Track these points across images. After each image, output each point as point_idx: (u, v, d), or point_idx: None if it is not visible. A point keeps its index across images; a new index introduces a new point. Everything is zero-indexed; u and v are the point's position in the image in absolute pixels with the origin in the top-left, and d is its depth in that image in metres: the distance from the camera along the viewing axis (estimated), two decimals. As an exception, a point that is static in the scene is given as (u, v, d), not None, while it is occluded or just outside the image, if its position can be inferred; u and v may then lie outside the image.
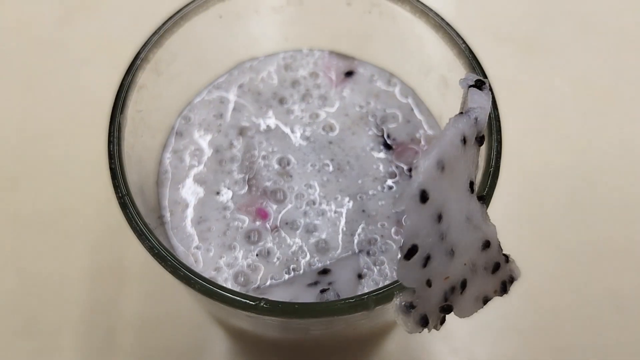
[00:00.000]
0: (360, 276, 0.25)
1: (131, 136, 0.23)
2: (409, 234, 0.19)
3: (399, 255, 0.19)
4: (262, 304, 0.20)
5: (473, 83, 0.21)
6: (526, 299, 0.44)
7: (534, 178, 0.48)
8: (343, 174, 0.27)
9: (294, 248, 0.25)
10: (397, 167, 0.27)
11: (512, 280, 0.22)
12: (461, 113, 0.20)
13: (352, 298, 0.20)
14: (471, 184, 0.20)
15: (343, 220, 0.26)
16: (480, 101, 0.20)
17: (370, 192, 0.26)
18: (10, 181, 0.48)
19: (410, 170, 0.26)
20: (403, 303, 0.20)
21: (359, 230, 0.26)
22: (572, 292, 0.45)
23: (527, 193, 0.47)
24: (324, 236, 0.25)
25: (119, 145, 0.22)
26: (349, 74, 0.29)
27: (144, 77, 0.24)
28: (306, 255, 0.25)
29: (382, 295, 0.20)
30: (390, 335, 0.40)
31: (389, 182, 0.27)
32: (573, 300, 0.45)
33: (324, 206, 0.26)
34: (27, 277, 0.45)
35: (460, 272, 0.20)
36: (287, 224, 0.26)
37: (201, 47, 0.26)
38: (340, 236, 0.26)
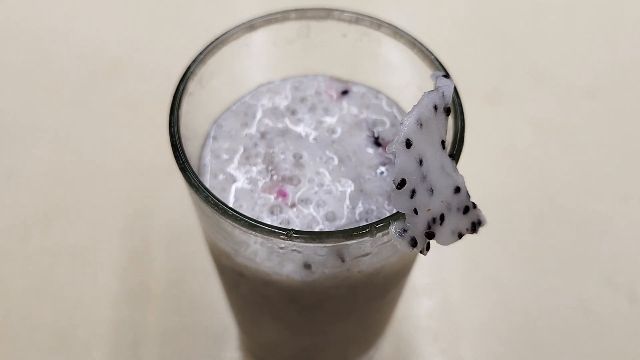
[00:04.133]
0: (361, 237, 0.31)
1: (182, 130, 0.31)
2: (399, 170, 0.26)
3: (393, 187, 0.26)
4: (292, 232, 0.26)
5: (440, 75, 0.29)
6: (503, 306, 0.51)
7: (501, 203, 0.55)
8: (344, 164, 0.34)
9: (308, 218, 0.32)
10: (386, 158, 0.34)
11: (479, 222, 0.29)
12: (432, 90, 0.28)
13: (360, 227, 0.27)
14: (442, 142, 0.28)
15: (346, 197, 0.33)
16: (445, 83, 0.28)
17: (367, 177, 0.33)
18: (45, 219, 0.54)
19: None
20: (398, 229, 0.27)
21: (359, 204, 0.33)
22: (542, 297, 0.51)
23: (494, 214, 0.54)
24: (331, 209, 0.32)
25: (178, 129, 0.29)
26: (345, 92, 0.37)
27: (191, 86, 0.32)
28: (319, 223, 0.32)
29: (382, 225, 0.27)
30: (388, 329, 0.46)
31: (381, 169, 0.34)
32: (544, 304, 0.51)
33: (331, 187, 0.33)
34: (60, 300, 0.51)
35: (438, 207, 0.27)
36: (302, 201, 0.33)
37: (232, 69, 0.34)
38: (344, 209, 0.32)
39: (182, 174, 0.28)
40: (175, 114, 0.30)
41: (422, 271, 0.52)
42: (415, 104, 0.27)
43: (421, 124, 0.26)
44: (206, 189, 0.27)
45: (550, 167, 0.58)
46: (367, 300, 0.35)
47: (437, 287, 0.51)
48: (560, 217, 0.55)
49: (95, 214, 0.55)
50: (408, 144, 0.26)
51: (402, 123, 0.26)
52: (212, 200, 0.27)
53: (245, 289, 0.35)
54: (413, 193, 0.26)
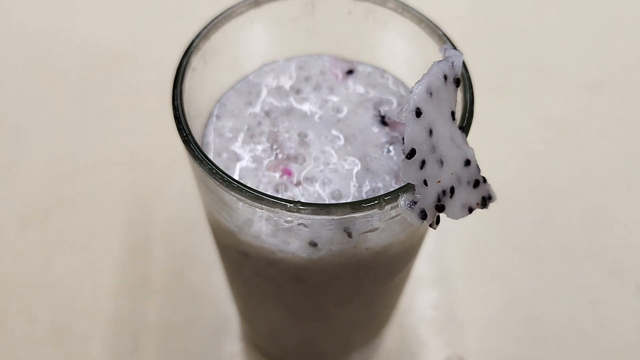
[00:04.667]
0: (368, 215, 0.31)
1: (185, 107, 0.30)
2: (409, 139, 0.25)
3: (403, 157, 0.25)
4: (299, 204, 0.26)
5: (449, 47, 0.28)
6: (508, 298, 0.50)
7: (506, 196, 0.55)
8: (350, 142, 0.33)
9: (314, 196, 0.31)
10: (392, 137, 0.34)
11: (490, 197, 0.29)
12: (441, 60, 0.27)
13: (369, 199, 0.26)
14: (452, 113, 0.27)
15: (353, 176, 0.32)
16: (454, 53, 0.27)
17: (373, 155, 0.33)
18: (45, 211, 0.53)
19: (403, 138, 0.33)
20: (407, 201, 0.26)
21: (366, 182, 0.32)
22: (547, 289, 0.50)
23: (499, 207, 0.54)
24: (337, 187, 0.32)
25: (181, 102, 0.29)
26: (350, 72, 0.36)
27: (195, 62, 0.31)
28: (324, 201, 0.31)
29: (391, 197, 0.26)
30: (393, 319, 0.45)
31: (388, 147, 0.33)
32: (549, 296, 0.50)
33: (337, 165, 0.32)
34: (59, 293, 0.50)
35: (448, 180, 0.27)
36: (307, 179, 0.32)
37: (236, 46, 0.34)
38: (351, 188, 0.32)
39: (185, 146, 0.28)
40: (179, 87, 0.29)
41: (427, 262, 0.51)
42: (425, 73, 0.26)
43: (431, 93, 0.26)
44: (210, 161, 0.27)
45: (554, 160, 0.58)
46: (373, 282, 0.34)
47: (441, 279, 0.51)
48: (565, 209, 0.54)
49: (95, 207, 0.54)
50: (418, 112, 0.25)
51: (411, 91, 0.25)
52: (216, 172, 0.26)
53: (248, 271, 0.34)
54: (423, 164, 0.26)
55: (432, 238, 0.52)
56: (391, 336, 0.48)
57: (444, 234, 0.52)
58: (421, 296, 0.50)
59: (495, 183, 0.53)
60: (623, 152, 0.58)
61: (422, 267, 0.50)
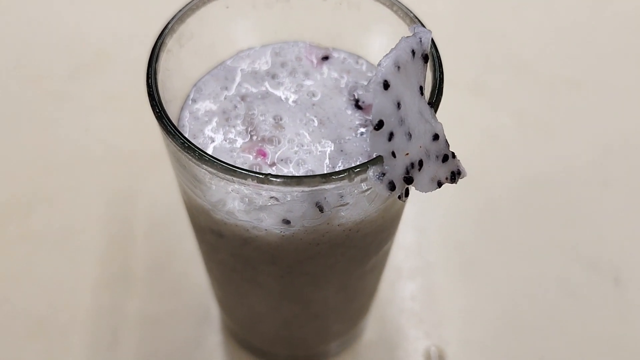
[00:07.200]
0: (342, 194, 0.31)
1: (160, 88, 0.31)
2: (377, 111, 0.26)
3: (371, 128, 0.26)
4: (269, 176, 0.26)
5: (418, 26, 0.29)
6: (488, 289, 0.50)
7: (484, 190, 0.55)
8: (325, 125, 0.34)
9: (288, 176, 0.32)
10: (366, 120, 0.34)
11: (459, 172, 0.29)
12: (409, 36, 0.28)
13: (338, 170, 0.26)
14: (421, 88, 0.28)
15: (326, 157, 0.32)
16: (423, 30, 0.28)
17: (347, 138, 0.33)
18: (26, 206, 0.53)
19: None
20: (376, 172, 0.26)
21: (339, 163, 0.32)
22: (526, 281, 0.51)
23: (478, 200, 0.54)
24: (311, 167, 0.32)
25: (155, 79, 0.29)
26: (325, 58, 0.37)
27: (170, 44, 0.32)
28: (298, 181, 0.32)
29: (360, 169, 0.26)
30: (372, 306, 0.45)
31: (361, 130, 0.34)
32: (528, 288, 0.51)
33: (311, 147, 0.33)
34: (40, 286, 0.50)
35: (417, 152, 0.27)
36: (282, 160, 0.32)
37: (212, 31, 0.34)
38: (324, 168, 0.32)
39: (159, 122, 0.28)
40: (153, 66, 0.30)
41: (406, 254, 0.51)
42: (393, 47, 0.26)
43: (399, 67, 0.26)
44: (182, 135, 0.27)
45: (533, 156, 0.58)
46: (348, 263, 0.34)
47: (421, 271, 0.51)
48: (543, 204, 0.55)
49: (76, 201, 0.54)
50: (386, 85, 0.26)
51: (379, 64, 0.26)
52: (188, 145, 0.27)
53: (224, 252, 0.34)
54: (391, 136, 0.26)
55: (411, 229, 0.52)
56: (371, 327, 0.48)
57: (423, 226, 0.53)
58: (401, 288, 0.50)
59: (474, 178, 0.53)
60: (599, 147, 0.59)
61: (402, 259, 0.51)
